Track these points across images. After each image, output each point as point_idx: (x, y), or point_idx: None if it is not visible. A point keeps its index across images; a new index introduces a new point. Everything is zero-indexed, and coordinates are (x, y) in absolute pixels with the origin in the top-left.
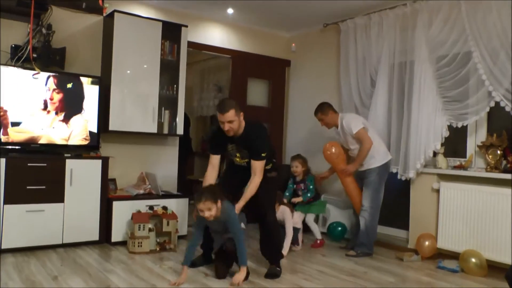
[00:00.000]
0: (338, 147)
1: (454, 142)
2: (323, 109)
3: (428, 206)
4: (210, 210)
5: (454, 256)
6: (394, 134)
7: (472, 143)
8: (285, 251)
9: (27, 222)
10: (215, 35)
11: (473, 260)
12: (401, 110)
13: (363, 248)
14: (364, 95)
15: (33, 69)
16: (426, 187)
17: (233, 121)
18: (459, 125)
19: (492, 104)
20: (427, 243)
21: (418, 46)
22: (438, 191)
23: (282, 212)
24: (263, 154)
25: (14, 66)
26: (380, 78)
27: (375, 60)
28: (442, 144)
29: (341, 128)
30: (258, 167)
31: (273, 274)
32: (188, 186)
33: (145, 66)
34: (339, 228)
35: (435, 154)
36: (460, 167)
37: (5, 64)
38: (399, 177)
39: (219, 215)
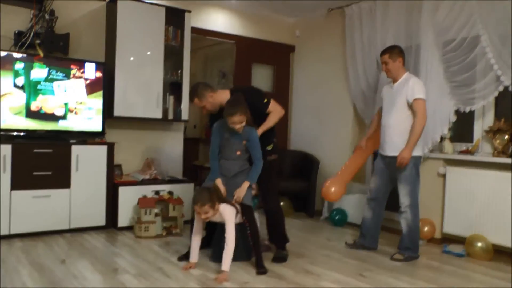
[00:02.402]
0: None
1: (461, 127)
2: (392, 52)
3: (434, 191)
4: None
5: (460, 241)
6: None
7: (479, 128)
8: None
9: (34, 208)
10: (219, 20)
11: (479, 244)
12: None
13: (410, 252)
14: (371, 79)
15: (37, 55)
16: (432, 172)
17: (203, 105)
18: (467, 109)
19: (501, 88)
20: (426, 228)
21: (424, 31)
22: (444, 176)
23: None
24: (265, 101)
25: (17, 52)
26: None
27: (381, 44)
28: (448, 129)
29: (399, 86)
30: (271, 108)
31: (280, 258)
32: (193, 171)
33: (148, 52)
34: (337, 217)
35: (441, 139)
36: (467, 152)
37: (9, 50)
38: None
39: (240, 133)
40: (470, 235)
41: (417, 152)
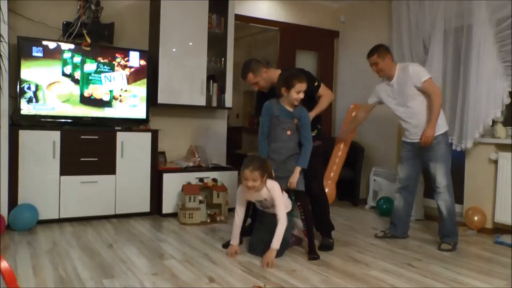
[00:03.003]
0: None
1: None
2: (379, 51)
3: (485, 178)
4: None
5: None
6: (448, 103)
7: None
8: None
9: (82, 193)
10: (263, 7)
11: None
12: (456, 78)
13: (454, 238)
14: (418, 63)
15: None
16: (482, 158)
17: (256, 81)
18: None
19: None
20: (476, 217)
21: (477, 9)
22: (496, 162)
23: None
24: (316, 83)
25: (65, 42)
26: (435, 45)
27: (429, 26)
28: (501, 112)
29: (399, 79)
30: (322, 92)
31: (326, 246)
32: (236, 160)
33: (191, 41)
34: (385, 206)
35: (493, 122)
36: None
37: (58, 40)
38: (454, 147)
39: (292, 111)
40: None
41: (442, 129)
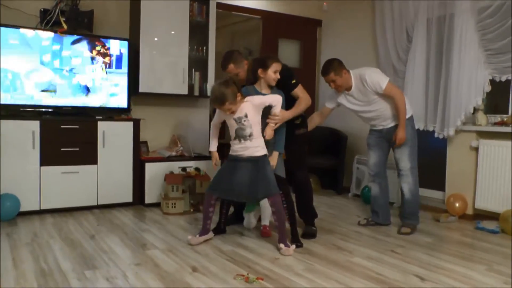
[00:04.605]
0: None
1: (495, 97)
2: (335, 68)
3: (466, 165)
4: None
5: (493, 216)
6: (431, 90)
7: None
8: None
9: (63, 184)
10: None
11: None
12: (439, 66)
13: (413, 220)
14: (401, 51)
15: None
16: (464, 146)
17: (237, 72)
18: (503, 78)
19: None
20: (457, 204)
21: None
22: (476, 149)
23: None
24: (293, 81)
25: (43, 29)
26: (418, 33)
27: (412, 15)
28: (482, 100)
29: (359, 88)
30: (299, 93)
31: (309, 234)
32: (219, 149)
33: (173, 30)
34: (368, 195)
35: (474, 110)
36: (502, 123)
37: (35, 28)
38: (436, 135)
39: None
40: (504, 211)
41: (409, 113)
